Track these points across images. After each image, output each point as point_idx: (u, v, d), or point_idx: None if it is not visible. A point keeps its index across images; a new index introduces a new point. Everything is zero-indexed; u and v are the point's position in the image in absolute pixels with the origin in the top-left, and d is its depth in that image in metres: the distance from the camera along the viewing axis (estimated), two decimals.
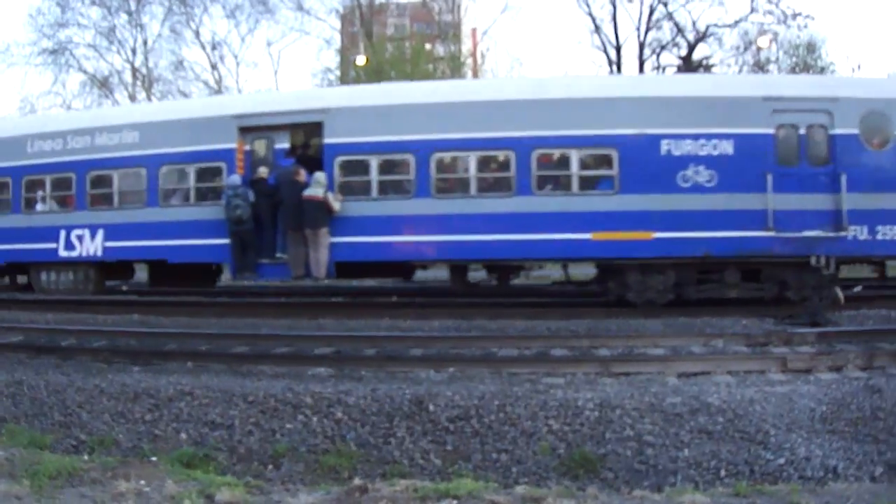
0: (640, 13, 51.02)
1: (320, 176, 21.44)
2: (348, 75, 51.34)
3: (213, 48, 58.57)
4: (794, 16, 49.50)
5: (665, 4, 50.69)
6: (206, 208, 22.79)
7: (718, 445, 10.59)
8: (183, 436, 11.40)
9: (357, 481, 8.26)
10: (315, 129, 22.70)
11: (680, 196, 20.48)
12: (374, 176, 21.74)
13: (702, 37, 51.13)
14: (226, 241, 22.30)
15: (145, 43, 58.45)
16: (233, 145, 22.76)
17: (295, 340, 17.02)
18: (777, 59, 54.29)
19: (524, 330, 18.38)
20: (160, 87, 59.24)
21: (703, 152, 20.43)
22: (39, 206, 25.01)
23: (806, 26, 51.13)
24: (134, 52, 58.63)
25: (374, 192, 21.80)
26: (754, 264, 20.95)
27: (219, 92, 55.13)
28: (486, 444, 10.78)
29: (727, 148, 20.41)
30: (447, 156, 21.73)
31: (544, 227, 20.82)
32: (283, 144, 23.24)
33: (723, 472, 10.07)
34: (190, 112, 24.86)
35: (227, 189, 21.99)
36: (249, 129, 22.99)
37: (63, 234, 24.25)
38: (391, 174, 21.89)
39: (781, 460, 10.19)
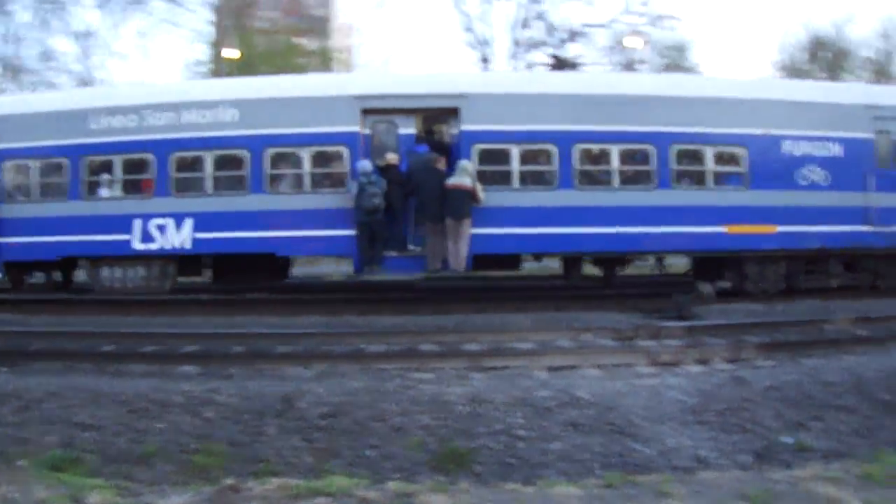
0: (514, 11, 51.17)
1: (467, 164, 20.56)
2: (219, 68, 50.50)
3: (83, 38, 56.90)
4: (662, 17, 50.41)
5: (538, 3, 51.03)
6: (324, 196, 21.16)
7: (589, 438, 10.60)
8: (51, 438, 10.94)
9: (229, 481, 8.02)
10: (444, 114, 21.83)
11: (799, 193, 21.77)
12: (515, 166, 21.15)
13: (573, 36, 51.59)
14: (349, 232, 20.80)
15: (12, 32, 56.46)
16: (356, 128, 21.19)
17: (163, 338, 16.50)
18: (648, 59, 55.22)
19: (392, 326, 18.16)
20: (27, 77, 57.34)
21: (817, 153, 21.87)
22: (105, 192, 21.93)
23: (674, 28, 52.14)
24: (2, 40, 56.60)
25: (516, 182, 21.23)
26: (851, 256, 22.47)
27: (87, 84, 53.58)
28: (356, 441, 10.58)
29: (837, 150, 21.99)
30: (590, 147, 21.59)
31: (681, 219, 21.35)
32: (409, 129, 21.95)
33: (594, 465, 10.07)
34: (303, 90, 22.16)
35: (359, 176, 20.38)
36: (372, 111, 21.48)
37: (138, 223, 21.40)
38: (533, 164, 21.44)
39: (652, 451, 10.25)
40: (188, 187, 21.48)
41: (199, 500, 7.40)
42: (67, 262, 22.91)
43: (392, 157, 20.94)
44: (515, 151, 21.15)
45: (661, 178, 21.34)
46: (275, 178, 21.37)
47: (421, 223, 21.14)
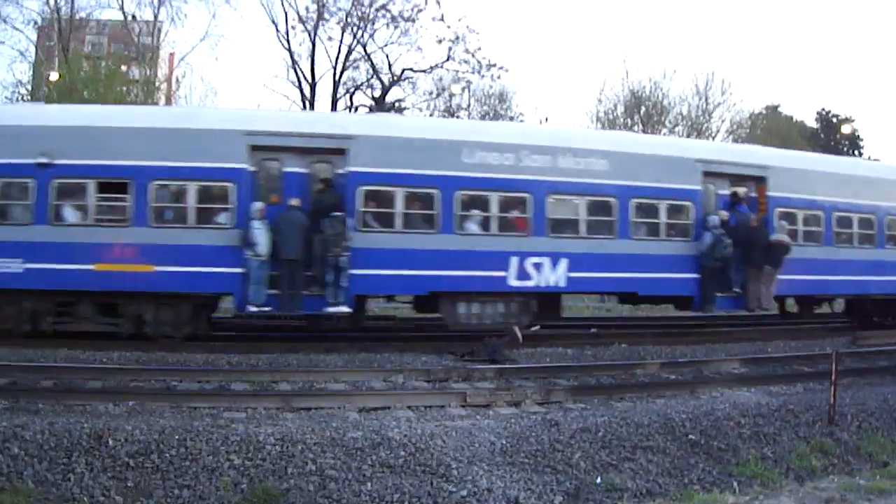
0: (339, 52, 51.06)
1: (784, 224, 24.17)
2: (40, 90, 48.89)
3: None
4: (490, 66, 51.15)
5: (364, 46, 51.19)
6: (675, 243, 23.18)
7: (401, 479, 10.64)
8: None
9: None
10: (756, 180, 24.82)
11: None
12: (800, 226, 24.89)
13: (397, 80, 51.95)
14: (692, 275, 22.90)
15: None
16: (698, 187, 23.61)
17: None
18: (469, 105, 55.87)
19: (204, 363, 17.86)
20: None
21: None
22: (475, 227, 21.69)
23: (500, 77, 52.90)
24: None
25: (801, 238, 24.61)
26: None
27: None
28: (167, 480, 10.36)
29: None
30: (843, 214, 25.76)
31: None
32: (725, 191, 24.50)
33: None
34: (655, 149, 24.43)
35: (712, 229, 22.74)
36: (711, 174, 23.99)
37: (515, 260, 21.55)
38: (813, 225, 25.16)
39: (464, 492, 10.32)
40: (562, 229, 22.26)
41: None
42: None
43: (723, 215, 23.53)
44: (800, 216, 24.92)
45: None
46: (637, 226, 22.89)
47: (744, 269, 23.69)
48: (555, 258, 21.81)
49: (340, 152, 20.93)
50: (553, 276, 21.78)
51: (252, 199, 20.22)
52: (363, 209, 20.80)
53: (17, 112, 23.74)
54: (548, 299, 22.84)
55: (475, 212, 21.77)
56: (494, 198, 21.70)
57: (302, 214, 20.27)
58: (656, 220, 23.12)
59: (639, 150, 23.80)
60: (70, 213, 19.99)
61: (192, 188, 20.20)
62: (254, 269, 19.84)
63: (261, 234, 19.75)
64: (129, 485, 10.26)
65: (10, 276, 19.37)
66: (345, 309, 20.44)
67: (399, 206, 21.15)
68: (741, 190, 24.77)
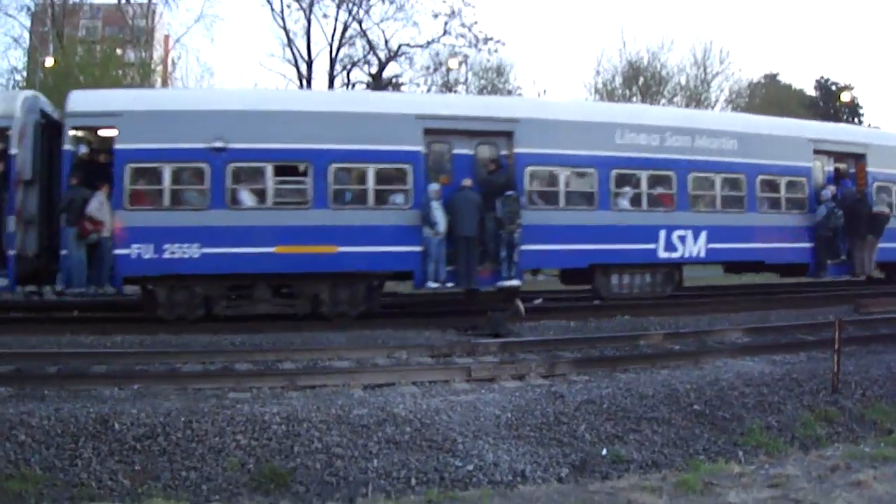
0: (334, 29, 50.87)
1: (884, 196, 26.74)
2: (35, 76, 48.71)
3: None
4: (486, 40, 51.08)
5: (360, 22, 50.99)
6: (793, 215, 25.45)
7: (407, 455, 10.62)
8: None
9: None
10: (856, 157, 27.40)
11: None
12: (895, 199, 27.24)
13: (393, 55, 51.78)
14: (808, 244, 25.33)
15: None
16: (810, 164, 26.03)
17: None
18: (466, 80, 55.61)
19: (208, 344, 17.83)
20: None
21: None
22: (627, 204, 23.46)
23: (496, 51, 52.80)
24: None
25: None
26: None
27: None
28: (174, 462, 10.33)
29: None
30: None
31: None
32: (830, 167, 27.23)
33: (413, 481, 10.08)
34: (774, 130, 26.28)
35: (826, 202, 25.22)
36: (820, 151, 26.46)
37: (663, 234, 23.57)
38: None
39: (470, 467, 10.30)
40: (701, 203, 24.35)
41: None
42: None
43: (832, 189, 25.83)
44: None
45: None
46: (762, 200, 25.10)
47: (850, 239, 25.77)
48: (696, 231, 23.87)
49: (506, 135, 22.47)
50: (695, 247, 23.85)
51: (425, 181, 21.41)
52: (530, 188, 22.47)
53: (192, 97, 24.40)
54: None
55: (627, 189, 23.50)
56: (644, 175, 23.55)
57: (475, 194, 21.63)
58: (778, 195, 25.37)
59: (762, 130, 25.82)
60: (247, 197, 20.73)
61: (371, 170, 21.22)
62: (434, 247, 21.17)
63: (440, 214, 21.04)
64: (136, 468, 10.22)
65: (188, 261, 20.00)
66: (516, 283, 22.06)
67: (562, 185, 22.80)
68: (843, 166, 27.37)
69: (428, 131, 21.70)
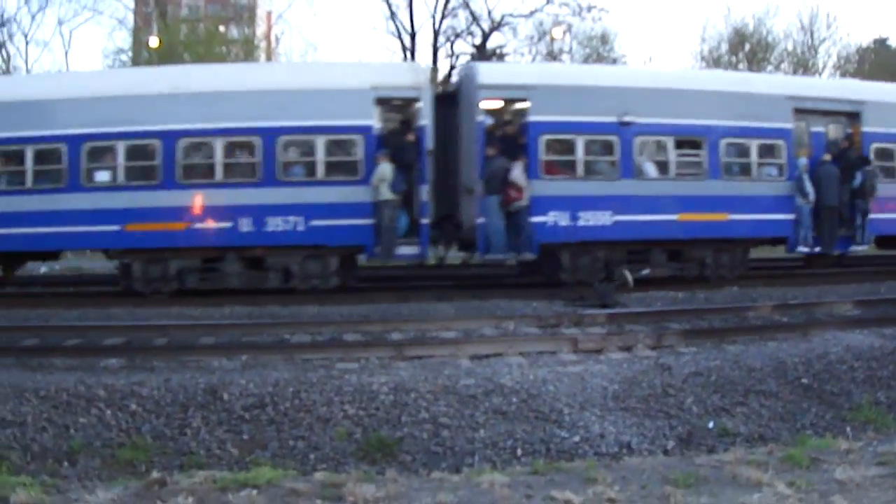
0: (437, 1, 50.84)
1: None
2: (140, 57, 49.63)
3: (2, 25, 55.41)
4: (589, 8, 50.44)
5: None
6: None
7: (513, 425, 10.67)
8: None
9: (155, 474, 7.85)
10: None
11: None
12: None
13: (497, 26, 51.38)
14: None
15: None
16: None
17: (85, 331, 16.05)
18: (571, 49, 55.22)
19: (316, 315, 18.07)
20: None
21: None
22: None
23: (600, 19, 52.35)
24: None
25: None
26: None
27: (6, 72, 52.19)
28: (282, 432, 10.54)
29: None
30: None
31: None
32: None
33: (519, 451, 10.15)
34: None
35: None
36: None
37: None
38: None
39: (577, 438, 10.33)
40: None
41: (126, 494, 7.24)
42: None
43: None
44: None
45: None
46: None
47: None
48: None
49: (854, 115, 23.91)
50: None
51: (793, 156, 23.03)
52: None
53: (597, 73, 27.42)
54: None
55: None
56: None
57: (835, 167, 23.07)
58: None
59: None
60: (650, 168, 22.39)
61: (754, 145, 22.92)
62: (805, 215, 22.89)
63: (809, 185, 22.65)
64: (244, 437, 10.48)
65: (600, 228, 21.54)
66: (864, 247, 24.48)
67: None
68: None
69: (796, 111, 23.10)
